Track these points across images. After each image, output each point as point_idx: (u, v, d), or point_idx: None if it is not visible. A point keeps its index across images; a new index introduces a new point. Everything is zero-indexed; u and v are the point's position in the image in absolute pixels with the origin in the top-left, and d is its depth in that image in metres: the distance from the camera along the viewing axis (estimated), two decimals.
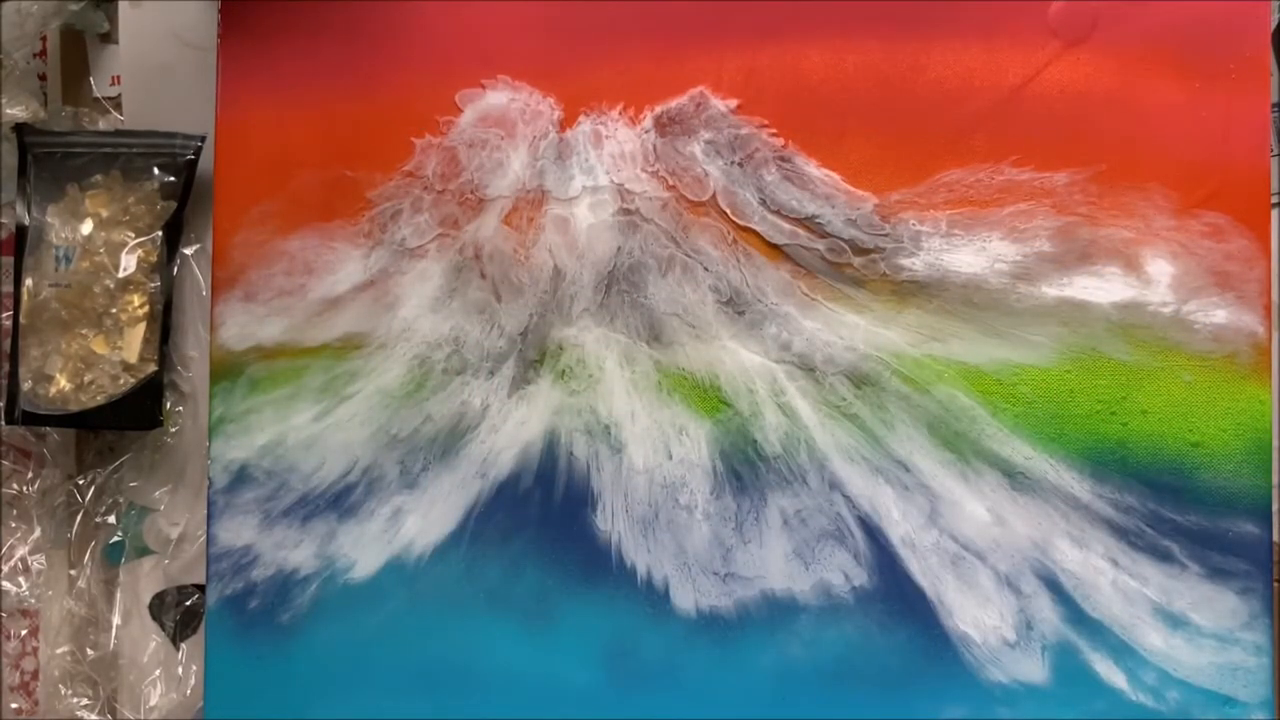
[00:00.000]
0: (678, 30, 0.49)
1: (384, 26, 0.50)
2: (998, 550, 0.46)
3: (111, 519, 0.54)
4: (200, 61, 0.53)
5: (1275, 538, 0.45)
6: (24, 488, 0.54)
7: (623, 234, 0.49)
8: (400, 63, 0.50)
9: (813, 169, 0.48)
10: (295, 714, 0.49)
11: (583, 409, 0.48)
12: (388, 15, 0.50)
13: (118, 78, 0.55)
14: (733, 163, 0.48)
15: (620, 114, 0.49)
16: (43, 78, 0.56)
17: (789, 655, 0.47)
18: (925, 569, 0.46)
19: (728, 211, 0.48)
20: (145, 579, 0.54)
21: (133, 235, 0.52)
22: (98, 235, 0.52)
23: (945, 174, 0.47)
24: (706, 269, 0.48)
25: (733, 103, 0.48)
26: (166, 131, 0.53)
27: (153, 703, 0.53)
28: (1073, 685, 0.45)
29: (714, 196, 0.48)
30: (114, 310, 0.52)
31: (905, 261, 0.47)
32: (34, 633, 0.54)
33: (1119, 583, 0.45)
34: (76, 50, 0.56)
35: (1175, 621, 0.45)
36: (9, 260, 0.54)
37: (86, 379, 0.52)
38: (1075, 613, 0.45)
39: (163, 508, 0.54)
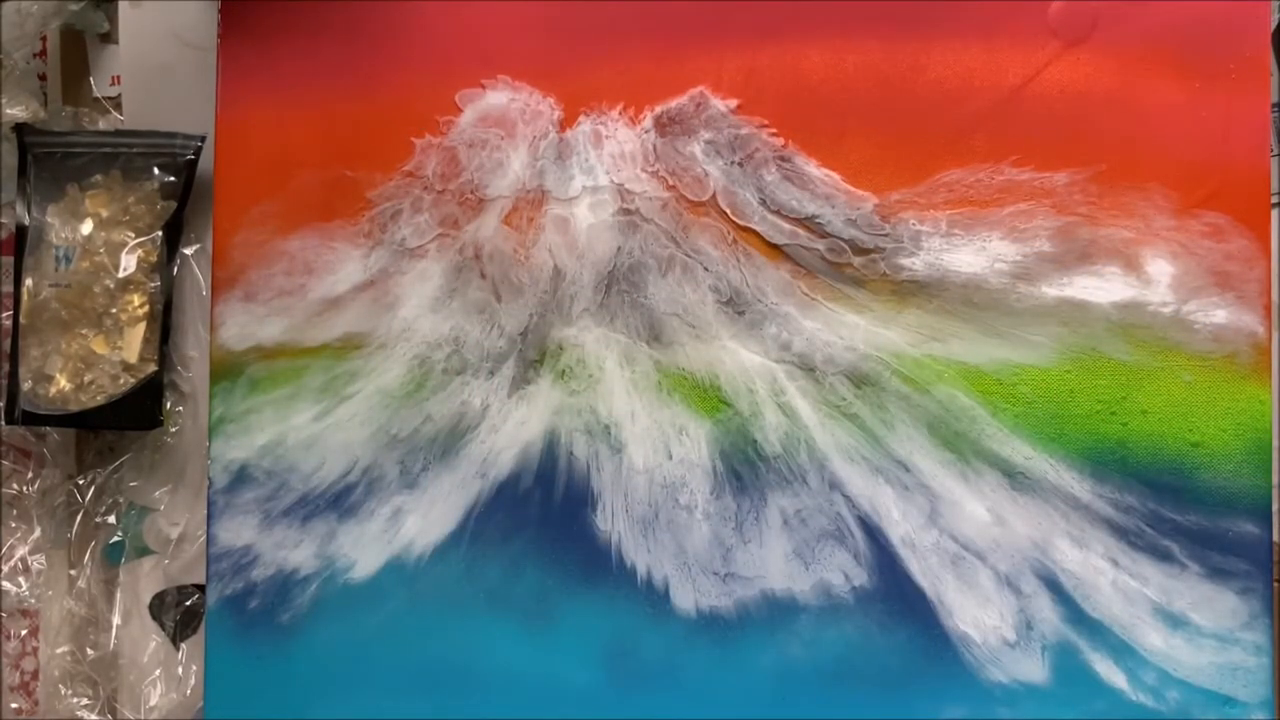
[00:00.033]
0: (678, 30, 0.49)
1: (384, 26, 0.50)
2: (998, 550, 0.46)
3: (111, 519, 0.54)
4: (200, 61, 0.53)
5: (1275, 538, 0.45)
6: (24, 488, 0.54)
7: (623, 234, 0.49)
8: (400, 63, 0.50)
9: (813, 169, 0.48)
10: (295, 714, 0.49)
11: (583, 409, 0.48)
12: (388, 15, 0.50)
13: (118, 78, 0.55)
14: (733, 163, 0.48)
15: (620, 114, 0.49)
16: (43, 78, 0.56)
17: (789, 655, 0.47)
18: (925, 569, 0.46)
19: (728, 211, 0.48)
20: (145, 579, 0.54)
21: (133, 235, 0.52)
22: (98, 235, 0.52)
23: (945, 174, 0.47)
24: (706, 269, 0.48)
25: (733, 103, 0.48)
26: (166, 131, 0.53)
27: (153, 703, 0.53)
28: (1073, 685, 0.45)
29: (714, 196, 0.48)
30: (114, 310, 0.52)
31: (905, 261, 0.47)
32: (34, 633, 0.54)
33: (1119, 583, 0.45)
34: (76, 50, 0.56)
35: (1175, 621, 0.45)
36: (9, 260, 0.54)
37: (86, 379, 0.52)
38: (1075, 613, 0.45)
39: (163, 508, 0.54)
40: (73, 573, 0.54)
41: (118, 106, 0.55)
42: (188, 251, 0.54)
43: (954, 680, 0.46)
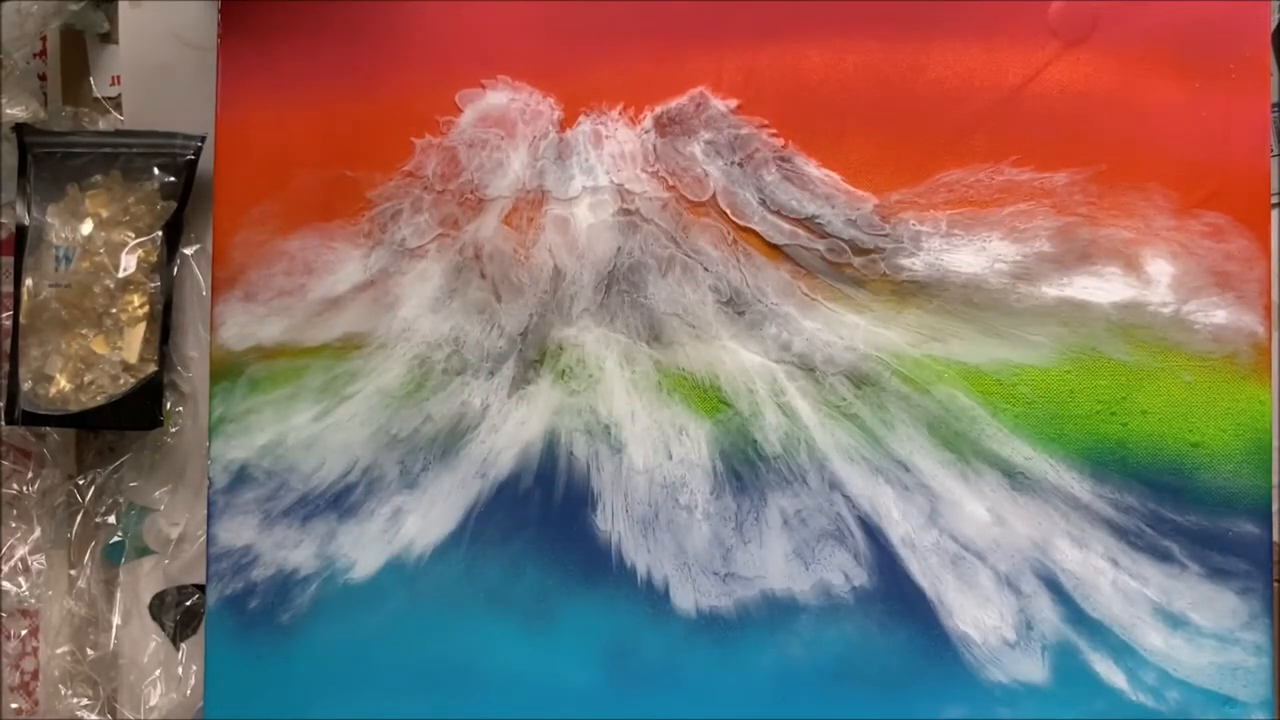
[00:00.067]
0: (678, 30, 0.49)
1: (384, 26, 0.50)
2: (998, 550, 0.46)
3: (111, 519, 0.54)
4: (200, 61, 0.53)
5: (1275, 538, 0.45)
6: (24, 488, 0.54)
7: (623, 234, 0.49)
8: (400, 63, 0.50)
9: (813, 169, 0.48)
10: (295, 714, 0.49)
11: (583, 409, 0.48)
12: (388, 15, 0.50)
13: (118, 78, 0.55)
14: (733, 163, 0.48)
15: (620, 114, 0.49)
16: (43, 78, 0.56)
17: (789, 655, 0.47)
18: (925, 569, 0.46)
19: (728, 211, 0.48)
20: (145, 579, 0.54)
21: (133, 235, 0.52)
22: (98, 235, 0.52)
23: (945, 174, 0.47)
24: (706, 269, 0.48)
25: (733, 103, 0.48)
26: (166, 131, 0.53)
27: (153, 703, 0.53)
28: (1073, 685, 0.45)
29: (714, 196, 0.48)
30: (114, 310, 0.52)
31: (905, 261, 0.47)
32: (34, 633, 0.54)
33: (1119, 583, 0.45)
34: (76, 50, 0.56)
35: (1175, 621, 0.45)
36: (9, 260, 0.54)
37: (86, 379, 0.52)
38: (1075, 613, 0.45)
39: (163, 508, 0.54)
40: (73, 573, 0.54)
41: (118, 106, 0.55)
42: (188, 251, 0.54)
43: (954, 680, 0.46)
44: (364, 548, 0.49)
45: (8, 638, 0.54)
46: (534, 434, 0.49)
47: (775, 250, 0.48)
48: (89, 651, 0.53)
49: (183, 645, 0.53)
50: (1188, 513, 0.45)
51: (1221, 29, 0.46)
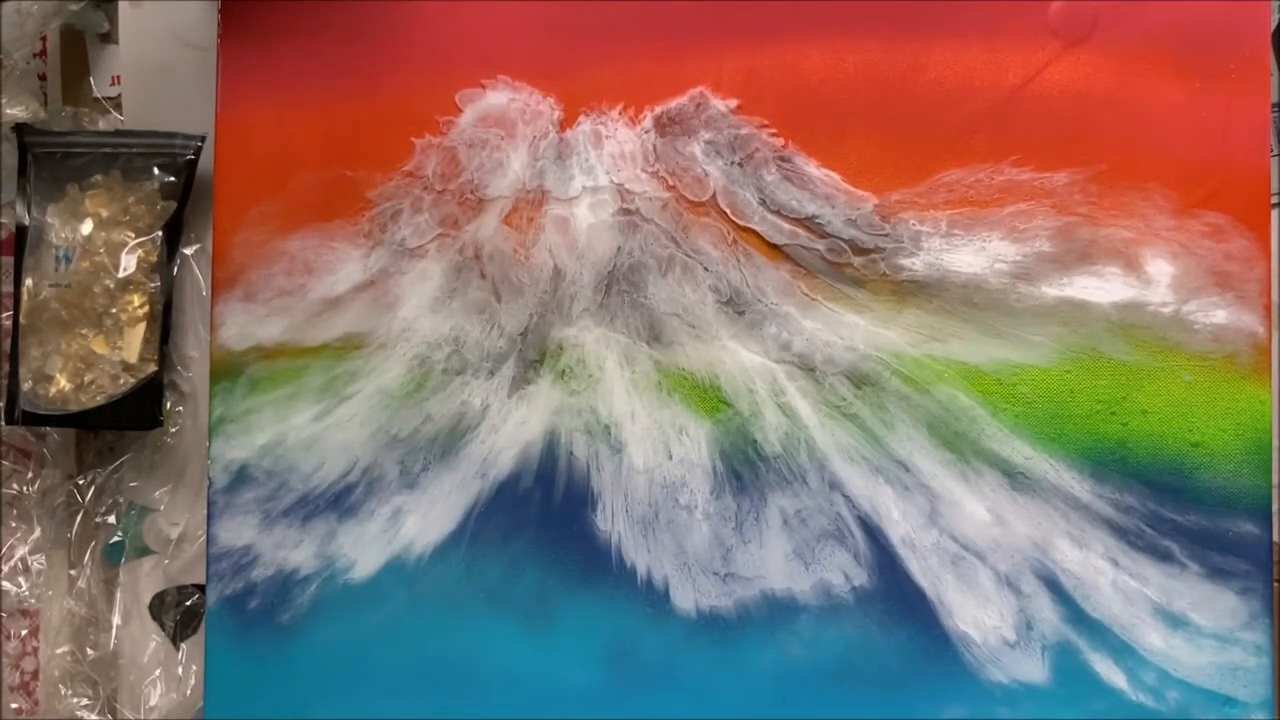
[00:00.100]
0: (678, 30, 0.49)
1: (384, 26, 0.50)
2: (998, 550, 0.46)
3: (111, 519, 0.54)
4: (200, 61, 0.53)
5: (1275, 538, 0.45)
6: (24, 488, 0.54)
7: (623, 234, 0.49)
8: (400, 63, 0.50)
9: (813, 169, 0.48)
10: (295, 714, 0.49)
11: (583, 409, 0.48)
12: (388, 15, 0.50)
13: (118, 78, 0.55)
14: (733, 163, 0.48)
15: (620, 114, 0.49)
16: (43, 78, 0.56)
17: (789, 655, 0.47)
18: (925, 569, 0.46)
19: (728, 211, 0.48)
20: (145, 579, 0.54)
21: (133, 235, 0.52)
22: (98, 235, 0.52)
23: (945, 174, 0.47)
24: (706, 269, 0.48)
25: (733, 103, 0.48)
26: (166, 131, 0.53)
27: (153, 703, 0.53)
28: (1073, 685, 0.45)
29: (714, 196, 0.48)
30: (114, 310, 0.52)
31: (905, 261, 0.47)
32: (34, 633, 0.54)
33: (1119, 583, 0.45)
34: (76, 50, 0.56)
35: (1175, 621, 0.45)
36: (9, 260, 0.54)
37: (86, 379, 0.52)
38: (1075, 613, 0.45)
39: (163, 508, 0.54)
40: (73, 573, 0.54)
41: (118, 106, 0.55)
42: (188, 251, 0.54)
43: (954, 680, 0.46)
44: (364, 548, 0.49)
45: (8, 638, 0.54)
46: (534, 434, 0.49)
47: (775, 250, 0.48)
48: (89, 651, 0.53)
49: (183, 645, 0.53)
50: (1188, 513, 0.45)
51: (1221, 29, 0.46)
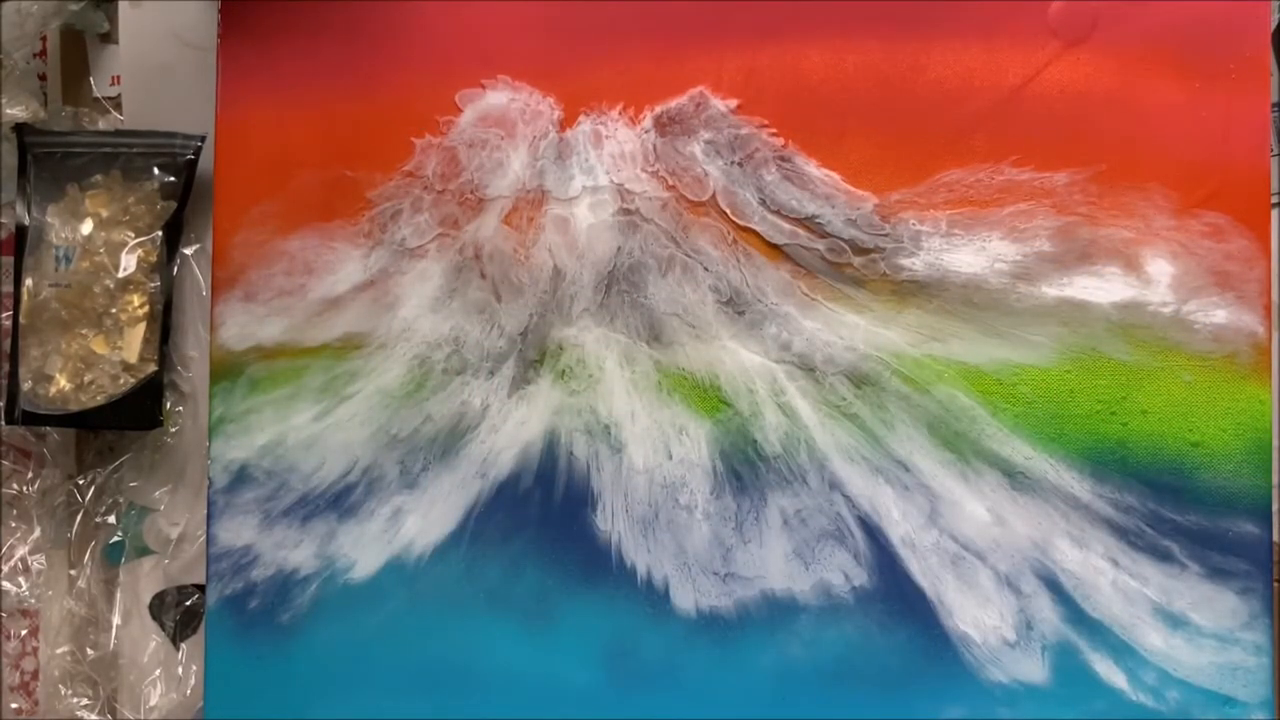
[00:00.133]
0: (678, 30, 0.49)
1: (384, 26, 0.50)
2: (998, 550, 0.46)
3: (111, 519, 0.54)
4: (200, 61, 0.53)
5: (1275, 538, 0.45)
6: (24, 488, 0.54)
7: (623, 234, 0.49)
8: (400, 63, 0.50)
9: (813, 169, 0.48)
10: (295, 714, 0.49)
11: (583, 409, 0.48)
12: (388, 15, 0.50)
13: (118, 78, 0.55)
14: (733, 163, 0.48)
15: (620, 114, 0.49)
16: (43, 78, 0.56)
17: (789, 655, 0.47)
18: (925, 569, 0.46)
19: (728, 211, 0.48)
20: (145, 579, 0.54)
21: (133, 235, 0.52)
22: (98, 235, 0.52)
23: (945, 174, 0.47)
24: (706, 269, 0.48)
25: (733, 103, 0.48)
26: (166, 131, 0.53)
27: (153, 703, 0.53)
28: (1073, 685, 0.45)
29: (714, 196, 0.48)
30: (114, 310, 0.52)
31: (905, 261, 0.47)
32: (34, 633, 0.54)
33: (1119, 583, 0.45)
34: (76, 50, 0.56)
35: (1175, 621, 0.45)
36: (9, 260, 0.54)
37: (86, 379, 0.52)
38: (1075, 613, 0.45)
39: (163, 508, 0.54)
40: (73, 573, 0.54)
41: (118, 106, 0.55)
42: (188, 251, 0.54)
43: (954, 680, 0.46)
44: (364, 548, 0.49)
45: (8, 638, 0.54)
46: (534, 434, 0.49)
47: (775, 250, 0.48)
48: (89, 651, 0.53)
49: (183, 645, 0.53)
50: (1188, 513, 0.45)
51: (1221, 29, 0.46)
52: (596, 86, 0.49)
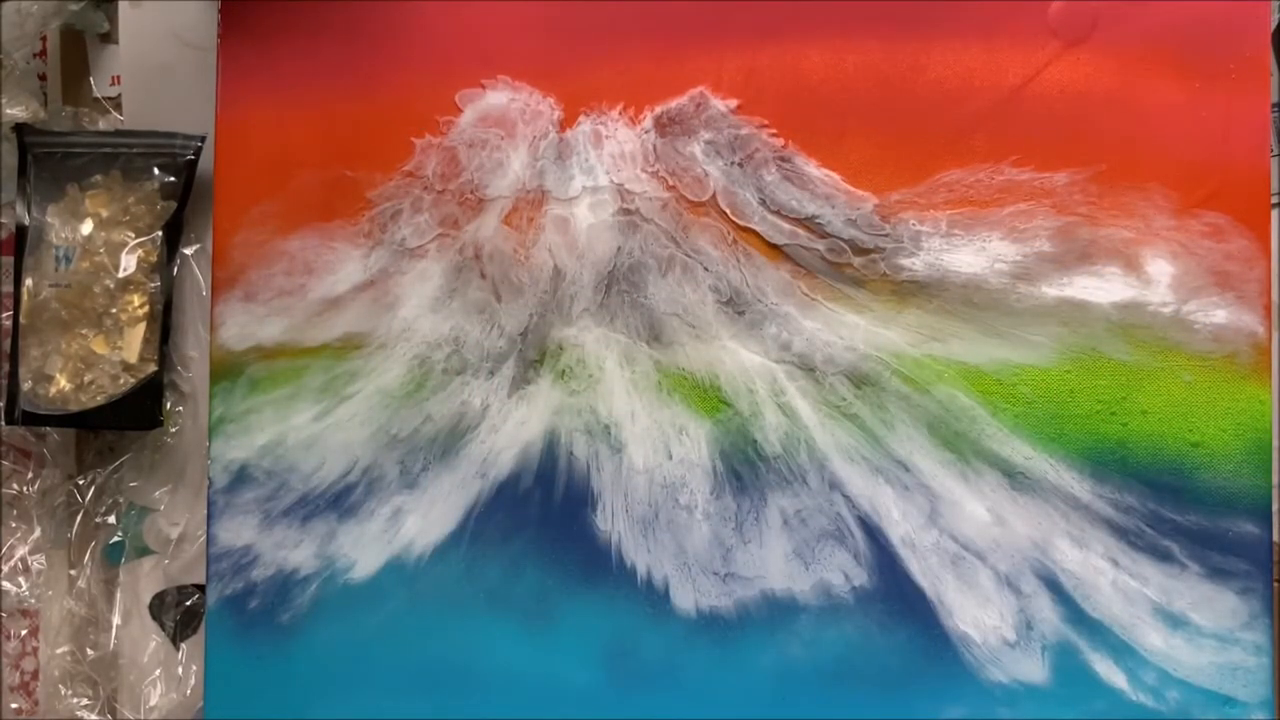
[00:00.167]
0: (678, 30, 0.49)
1: (384, 26, 0.50)
2: (998, 550, 0.46)
3: (111, 519, 0.54)
4: (200, 61, 0.53)
5: (1275, 538, 0.45)
6: (24, 488, 0.54)
7: (623, 234, 0.49)
8: (400, 63, 0.50)
9: (813, 169, 0.48)
10: (295, 714, 0.49)
11: (583, 409, 0.48)
12: (388, 15, 0.50)
13: (118, 78, 0.55)
14: (733, 163, 0.48)
15: (620, 114, 0.49)
16: (43, 78, 0.56)
17: (789, 655, 0.47)
18: (925, 569, 0.46)
19: (728, 211, 0.48)
20: (145, 579, 0.54)
21: (133, 235, 0.52)
22: (98, 235, 0.52)
23: (945, 174, 0.47)
24: (706, 269, 0.48)
25: (733, 103, 0.48)
26: (166, 131, 0.53)
27: (153, 703, 0.53)
28: (1073, 685, 0.45)
29: (714, 196, 0.48)
30: (114, 310, 0.52)
31: (905, 261, 0.47)
32: (34, 633, 0.54)
33: (1119, 583, 0.45)
34: (76, 50, 0.56)
35: (1175, 621, 0.45)
36: (9, 260, 0.54)
37: (86, 379, 0.52)
38: (1075, 613, 0.45)
39: (163, 508, 0.54)
40: (73, 573, 0.54)
41: (118, 106, 0.55)
42: (188, 251, 0.54)
43: (954, 680, 0.46)
44: (364, 548, 0.49)
45: (8, 638, 0.54)
46: (534, 434, 0.49)
47: (775, 250, 0.48)
48: (89, 651, 0.53)
49: (183, 645, 0.53)
50: (1188, 513, 0.45)
51: (1221, 29, 0.46)
52: (596, 86, 0.49)
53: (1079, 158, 0.46)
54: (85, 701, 0.53)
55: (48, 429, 0.54)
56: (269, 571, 0.49)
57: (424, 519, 0.49)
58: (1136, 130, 0.46)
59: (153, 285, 0.52)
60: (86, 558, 0.54)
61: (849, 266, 0.48)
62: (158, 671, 0.53)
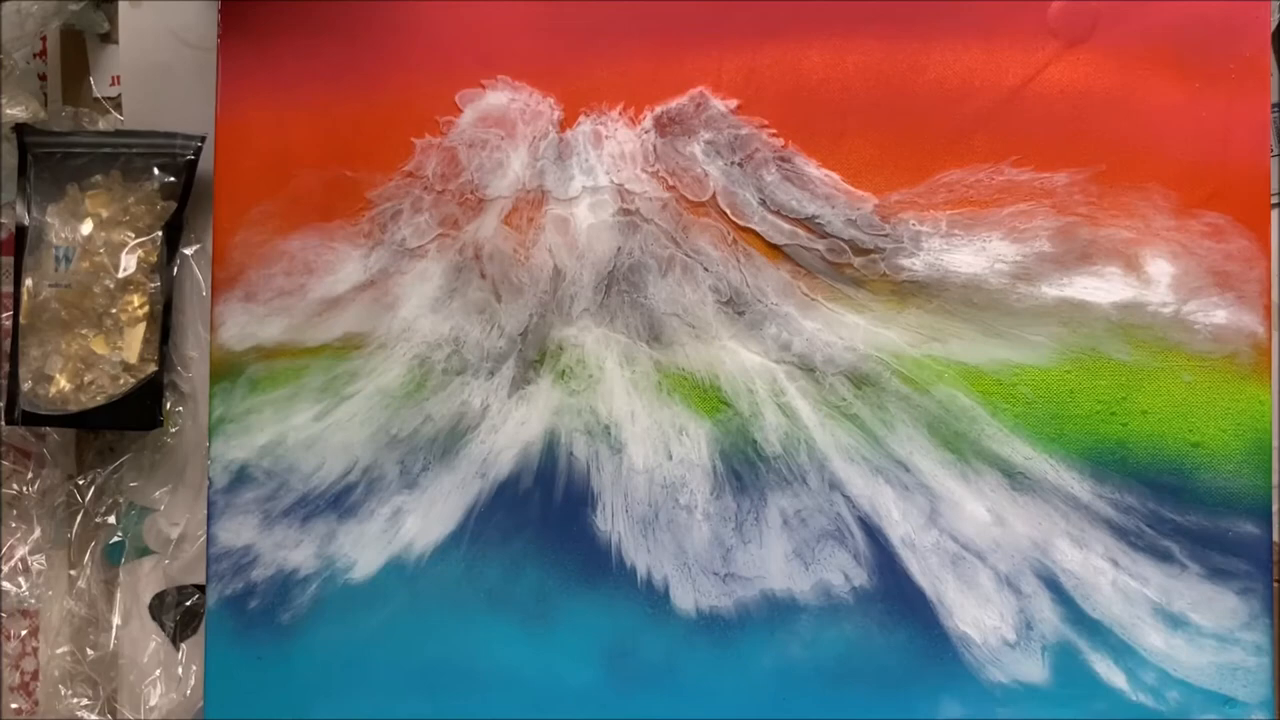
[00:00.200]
0: (678, 30, 0.49)
1: (384, 26, 0.50)
2: (998, 550, 0.46)
3: (111, 519, 0.54)
4: (200, 61, 0.53)
5: (1275, 538, 0.45)
6: (24, 488, 0.54)
7: (623, 234, 0.49)
8: (400, 63, 0.50)
9: (813, 169, 0.48)
10: (295, 714, 0.49)
11: (583, 409, 0.48)
12: (388, 15, 0.50)
13: (118, 78, 0.55)
14: (733, 163, 0.48)
15: (620, 114, 0.49)
16: (43, 78, 0.56)
17: (789, 655, 0.47)
18: (925, 569, 0.46)
19: (728, 211, 0.48)
20: (145, 579, 0.54)
21: (133, 235, 0.52)
22: (98, 235, 0.52)
23: (945, 174, 0.47)
24: (706, 269, 0.48)
25: (733, 103, 0.48)
26: (166, 131, 0.53)
27: (153, 703, 0.53)
28: (1073, 685, 0.45)
29: (714, 196, 0.48)
30: (114, 310, 0.52)
31: (905, 261, 0.47)
32: (34, 633, 0.54)
33: (1119, 583, 0.45)
34: (76, 50, 0.56)
35: (1175, 621, 0.45)
36: (9, 260, 0.54)
37: (86, 379, 0.52)
38: (1075, 613, 0.45)
39: (163, 508, 0.54)
40: (73, 573, 0.54)
41: (118, 106, 0.55)
42: (188, 251, 0.54)
43: (954, 680, 0.46)
44: (364, 548, 0.49)
45: (8, 638, 0.54)
46: (534, 434, 0.49)
47: (775, 250, 0.48)
48: (89, 651, 0.53)
49: (183, 645, 0.53)
50: (1188, 513, 0.45)
51: (1221, 29, 0.46)
52: (596, 86, 0.49)
53: (1079, 158, 0.46)
54: (85, 702, 0.53)
55: (48, 429, 0.54)
56: (269, 571, 0.49)
57: (424, 519, 0.49)
58: (1136, 130, 0.46)
59: (153, 285, 0.52)
60: (86, 558, 0.54)
61: (849, 266, 0.48)
62: (158, 671, 0.53)
